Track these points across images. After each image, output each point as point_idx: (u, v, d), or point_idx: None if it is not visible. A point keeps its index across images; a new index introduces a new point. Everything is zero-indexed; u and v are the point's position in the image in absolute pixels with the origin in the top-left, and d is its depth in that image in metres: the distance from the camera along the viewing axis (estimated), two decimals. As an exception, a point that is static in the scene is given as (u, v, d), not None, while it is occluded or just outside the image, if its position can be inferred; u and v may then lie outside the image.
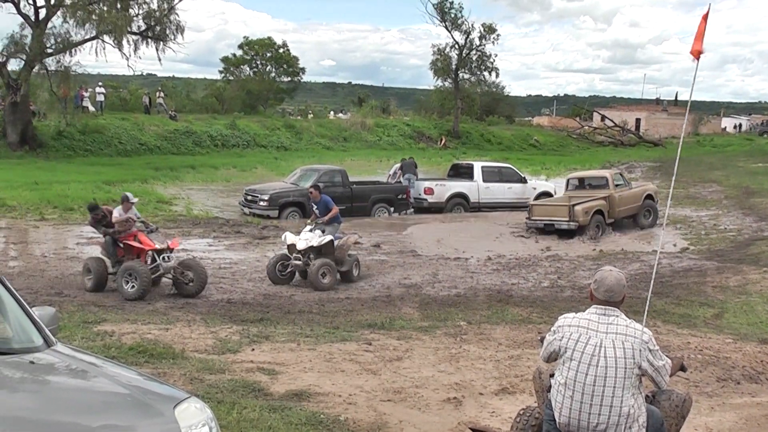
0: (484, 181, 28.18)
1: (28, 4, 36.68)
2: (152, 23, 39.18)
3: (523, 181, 29.27)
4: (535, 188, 29.19)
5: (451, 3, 61.25)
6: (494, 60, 64.17)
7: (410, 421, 7.13)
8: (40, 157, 36.03)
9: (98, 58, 42.88)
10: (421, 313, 12.66)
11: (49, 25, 36.99)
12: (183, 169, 36.66)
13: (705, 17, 8.73)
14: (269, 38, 71.74)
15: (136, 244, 13.93)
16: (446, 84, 67.14)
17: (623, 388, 4.59)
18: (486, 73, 65.60)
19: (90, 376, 4.58)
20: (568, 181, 26.11)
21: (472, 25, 62.45)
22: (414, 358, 9.42)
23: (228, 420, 6.51)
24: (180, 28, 39.96)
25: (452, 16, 61.60)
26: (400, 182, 28.55)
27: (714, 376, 9.08)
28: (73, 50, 37.50)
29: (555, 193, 28.11)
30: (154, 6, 38.94)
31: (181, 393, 4.64)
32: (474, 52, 63.35)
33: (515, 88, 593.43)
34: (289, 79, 72.94)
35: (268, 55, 70.66)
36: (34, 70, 37.23)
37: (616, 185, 23.92)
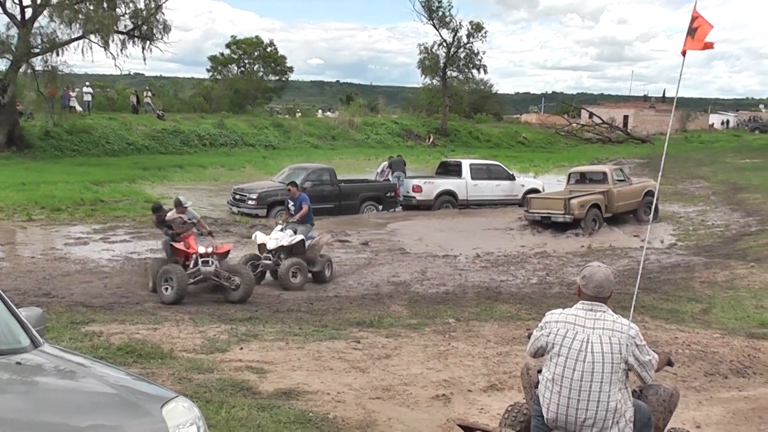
0: (472, 178, 28.21)
1: (15, 3, 36.58)
2: (139, 22, 39.07)
3: (512, 178, 29.31)
4: (523, 185, 29.28)
5: (439, 1, 61.41)
6: (482, 57, 64.47)
7: (399, 418, 7.13)
8: (27, 158, 35.88)
9: (85, 57, 42.68)
10: (410, 311, 12.66)
11: (36, 24, 36.89)
12: (171, 168, 36.58)
13: (695, 14, 8.77)
14: (257, 37, 71.93)
15: (181, 246, 13.88)
16: (434, 82, 67.35)
17: (610, 383, 4.60)
18: (474, 71, 65.92)
19: (78, 376, 4.57)
20: (569, 175, 26.48)
21: (460, 22, 62.67)
22: (403, 355, 9.42)
23: (217, 419, 6.51)
24: (167, 27, 39.98)
25: (440, 14, 61.78)
26: (388, 180, 28.57)
27: (702, 370, 9.11)
28: (59, 50, 37.36)
29: (543, 190, 28.23)
30: (141, 5, 38.85)
31: (168, 392, 4.64)
32: (462, 49, 63.44)
33: (503, 85, 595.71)
34: (277, 77, 72.97)
35: (256, 54, 70.66)
36: (20, 70, 37.05)
37: (616, 181, 24.29)
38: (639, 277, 9.40)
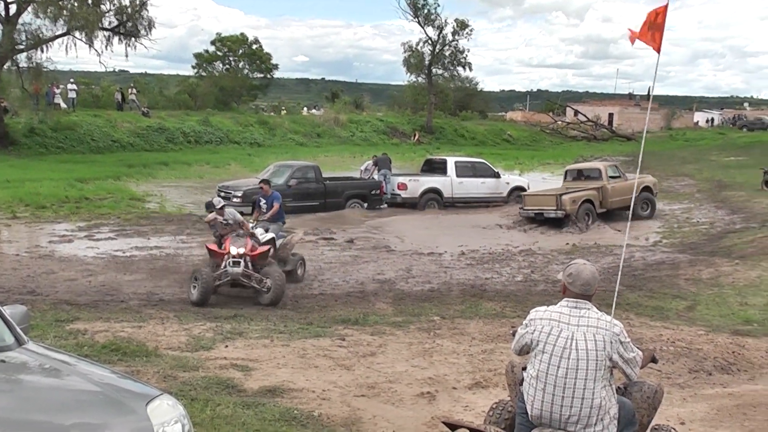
0: (457, 176, 28.20)
1: (-2, -1, 36.38)
2: (124, 19, 38.99)
3: (497, 176, 29.30)
4: (508, 183, 29.35)
5: (425, -1, 61.34)
6: (467, 55, 64.59)
7: (384, 416, 7.14)
8: (11, 155, 35.67)
9: (69, 54, 42.62)
10: (395, 309, 12.67)
11: (20, 21, 36.81)
12: (156, 165, 36.45)
13: (664, 12, 8.77)
14: (242, 34, 71.57)
15: (213, 247, 13.77)
16: (419, 80, 67.39)
17: (595, 381, 4.61)
18: (459, 69, 65.97)
19: (62, 374, 4.56)
20: (566, 172, 26.94)
21: (445, 20, 62.80)
22: (388, 353, 9.43)
23: (202, 417, 6.49)
24: (152, 24, 39.90)
25: (425, 11, 61.77)
26: (373, 178, 28.55)
27: (686, 367, 9.17)
28: (44, 46, 37.32)
29: (528, 188, 28.29)
30: (126, 2, 38.77)
31: (153, 390, 4.64)
32: (447, 47, 63.50)
33: (488, 83, 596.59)
34: (262, 75, 72.69)
35: (241, 51, 70.36)
36: (5, 66, 36.95)
37: (611, 177, 24.54)
38: (620, 273, 9.44)
